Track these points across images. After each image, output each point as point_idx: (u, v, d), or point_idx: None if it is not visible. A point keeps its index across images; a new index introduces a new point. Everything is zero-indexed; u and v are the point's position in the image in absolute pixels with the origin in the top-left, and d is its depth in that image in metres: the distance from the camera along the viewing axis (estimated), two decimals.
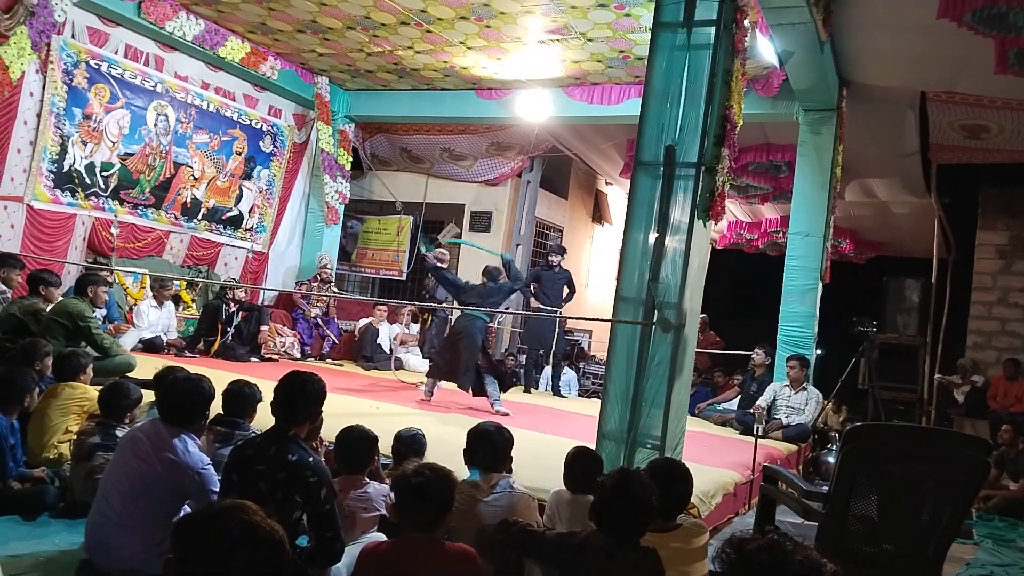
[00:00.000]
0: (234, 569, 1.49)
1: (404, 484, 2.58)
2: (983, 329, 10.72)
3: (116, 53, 7.92)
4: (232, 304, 8.39)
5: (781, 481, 4.09)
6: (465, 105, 9.72)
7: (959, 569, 4.60)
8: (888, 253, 13.05)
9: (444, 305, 8.85)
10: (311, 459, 2.88)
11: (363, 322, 9.91)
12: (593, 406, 6.68)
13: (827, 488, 3.43)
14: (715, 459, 5.29)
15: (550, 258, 8.77)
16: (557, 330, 8.66)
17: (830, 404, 7.62)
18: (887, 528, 3.27)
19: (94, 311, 5.86)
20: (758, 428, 5.75)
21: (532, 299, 8.70)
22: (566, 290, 8.70)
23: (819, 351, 7.83)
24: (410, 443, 3.84)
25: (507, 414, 6.38)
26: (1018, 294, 10.55)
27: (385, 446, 3.79)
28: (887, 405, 8.01)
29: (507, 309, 9.21)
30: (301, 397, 2.98)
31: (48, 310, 5.62)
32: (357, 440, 3.45)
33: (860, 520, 3.27)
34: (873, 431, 3.66)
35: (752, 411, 7.02)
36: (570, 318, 8.57)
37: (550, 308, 8.54)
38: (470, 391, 6.71)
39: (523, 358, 10.31)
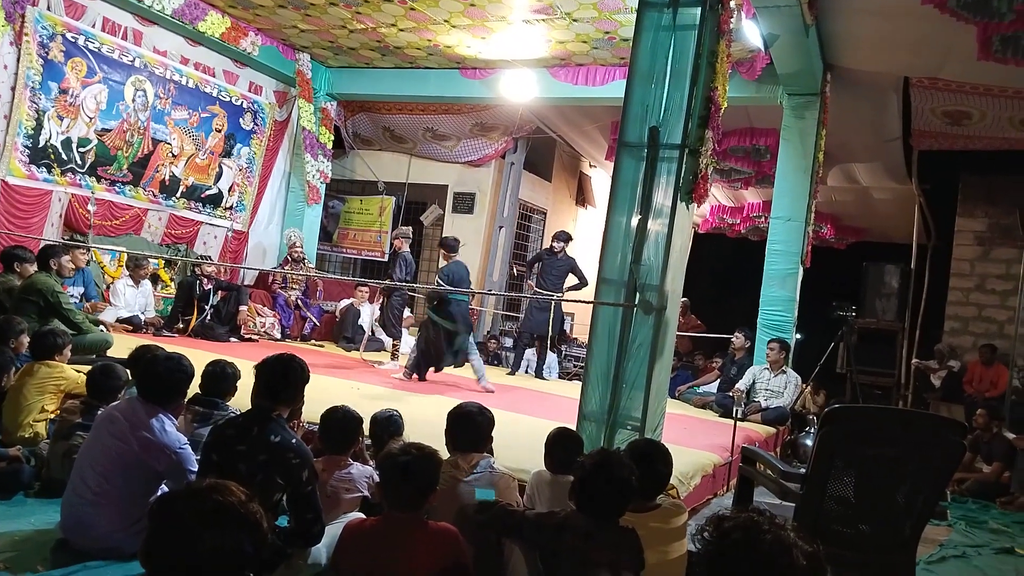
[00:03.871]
0: (210, 549, 1.48)
1: (390, 463, 2.57)
2: (960, 315, 10.85)
3: (93, 26, 7.77)
4: (206, 280, 8.31)
5: (759, 462, 4.12)
6: (449, 84, 9.64)
7: (933, 550, 4.68)
8: (868, 239, 13.16)
9: (422, 284, 8.84)
10: (294, 441, 2.87)
11: (344, 303, 9.87)
12: (574, 388, 6.74)
13: (805, 470, 3.46)
14: (695, 441, 5.33)
15: (552, 244, 8.72)
16: (553, 315, 8.64)
17: (808, 388, 7.70)
18: (863, 509, 3.31)
19: (63, 284, 5.77)
20: (737, 411, 5.80)
21: (531, 284, 8.69)
22: (573, 279, 8.61)
23: (799, 335, 7.89)
24: (386, 425, 3.83)
25: (492, 391, 6.57)
26: (995, 280, 10.67)
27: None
28: (865, 389, 8.10)
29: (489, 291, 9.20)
30: (283, 381, 2.97)
31: (18, 289, 5.54)
32: (342, 421, 3.45)
33: (837, 501, 3.31)
34: (851, 413, 3.69)
35: (732, 394, 7.09)
36: (552, 299, 8.54)
37: (547, 294, 8.52)
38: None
39: (507, 341, 10.33)
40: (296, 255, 9.58)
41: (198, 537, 1.49)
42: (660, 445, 3.16)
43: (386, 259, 11.42)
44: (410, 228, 8.11)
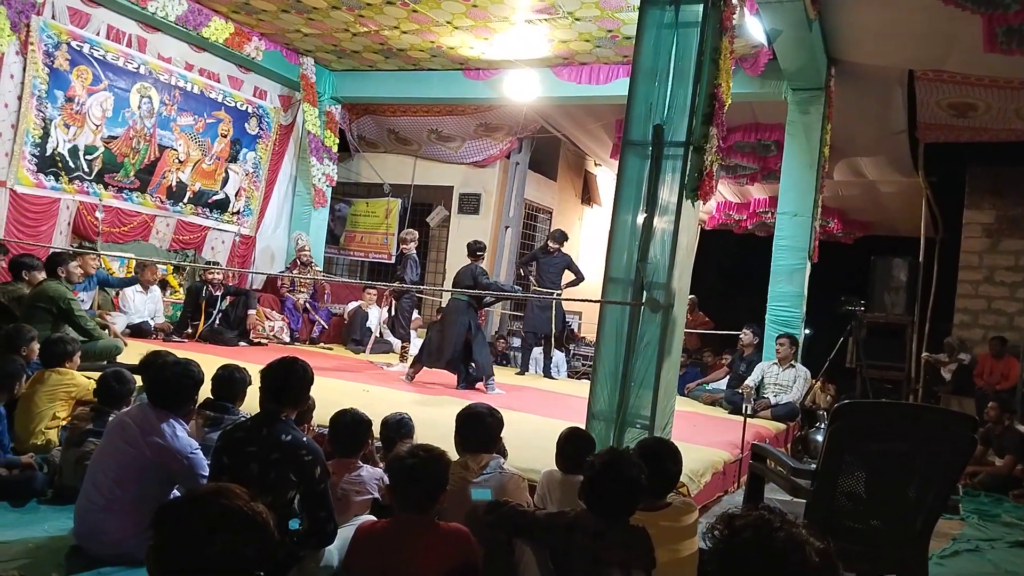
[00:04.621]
0: (218, 553, 1.49)
1: (399, 465, 2.58)
2: (970, 307, 10.80)
3: (98, 34, 7.81)
4: (212, 286, 8.34)
5: (770, 459, 4.11)
6: (452, 85, 9.64)
7: (945, 544, 4.65)
8: (876, 232, 13.12)
9: (423, 286, 8.87)
10: (305, 439, 2.89)
11: (352, 305, 9.88)
12: (583, 387, 6.74)
13: (815, 466, 3.45)
14: (704, 438, 5.32)
15: (548, 243, 8.73)
16: (555, 313, 8.64)
17: (818, 383, 7.67)
18: (875, 504, 3.30)
19: (73, 290, 5.79)
20: (747, 407, 5.79)
21: (531, 282, 8.70)
22: (570, 275, 8.62)
23: (807, 331, 7.87)
24: (398, 428, 3.83)
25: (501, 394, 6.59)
26: (1004, 272, 10.62)
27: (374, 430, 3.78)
28: (875, 384, 8.06)
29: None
30: (285, 384, 2.98)
31: (28, 297, 5.56)
32: (351, 424, 3.45)
33: (848, 497, 3.30)
34: (861, 408, 3.68)
35: (741, 391, 7.07)
36: (559, 299, 8.54)
37: (546, 292, 8.52)
38: (457, 381, 6.91)
39: (515, 341, 10.33)
40: (303, 258, 9.60)
41: (206, 541, 1.49)
42: (670, 443, 3.16)
43: (393, 261, 11.44)
44: (415, 233, 8.08)
